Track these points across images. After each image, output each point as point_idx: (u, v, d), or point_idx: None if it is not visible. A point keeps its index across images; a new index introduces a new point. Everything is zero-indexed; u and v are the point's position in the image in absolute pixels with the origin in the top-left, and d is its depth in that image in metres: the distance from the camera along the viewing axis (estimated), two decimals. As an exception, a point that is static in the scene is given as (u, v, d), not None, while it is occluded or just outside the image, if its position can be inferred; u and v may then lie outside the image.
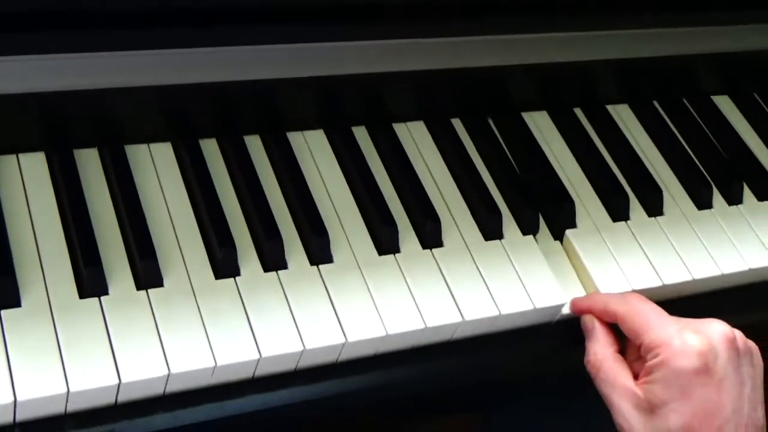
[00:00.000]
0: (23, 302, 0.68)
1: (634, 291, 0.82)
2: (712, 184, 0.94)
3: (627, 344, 0.77)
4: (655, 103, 1.01)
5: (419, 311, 0.75)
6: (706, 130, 1.01)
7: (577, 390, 0.77)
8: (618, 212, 0.88)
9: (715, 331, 0.72)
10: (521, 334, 0.80)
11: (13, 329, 0.66)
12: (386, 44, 0.84)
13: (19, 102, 0.74)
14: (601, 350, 0.76)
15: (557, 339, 0.81)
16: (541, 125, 0.95)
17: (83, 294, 0.70)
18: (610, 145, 0.95)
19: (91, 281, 0.70)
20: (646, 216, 0.89)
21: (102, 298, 0.70)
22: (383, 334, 0.73)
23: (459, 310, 0.76)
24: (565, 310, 0.80)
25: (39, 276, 0.70)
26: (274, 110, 0.84)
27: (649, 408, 0.71)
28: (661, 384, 0.71)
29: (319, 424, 0.75)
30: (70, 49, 0.74)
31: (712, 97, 1.05)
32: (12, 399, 0.63)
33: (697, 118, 1.02)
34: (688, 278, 0.85)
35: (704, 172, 0.95)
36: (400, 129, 0.89)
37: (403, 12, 0.82)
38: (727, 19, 0.97)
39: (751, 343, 0.75)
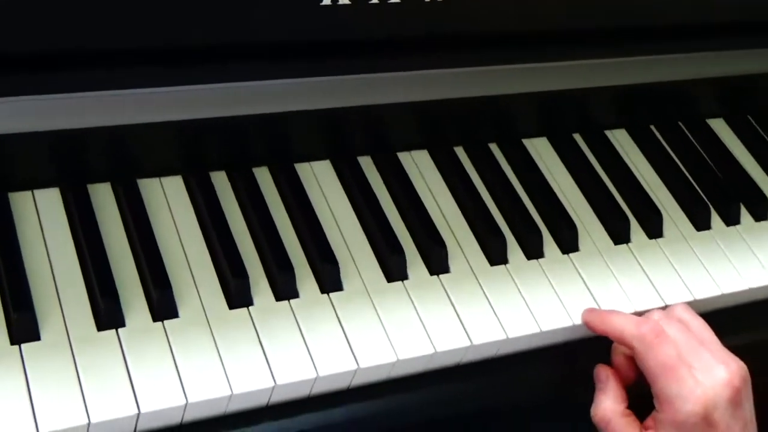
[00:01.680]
0: (42, 336, 0.70)
1: (635, 311, 0.83)
2: (710, 205, 0.96)
3: None
4: (652, 127, 1.03)
5: (428, 336, 0.77)
6: (703, 153, 1.03)
7: (584, 415, 0.79)
8: (619, 235, 0.90)
9: (719, 380, 0.74)
10: (530, 357, 0.82)
11: (33, 362, 0.68)
12: (389, 76, 0.86)
13: (34, 139, 0.76)
14: (611, 406, 0.77)
15: (564, 361, 0.82)
16: (541, 151, 0.97)
17: (101, 327, 0.72)
18: (610, 170, 0.97)
19: (108, 314, 0.72)
20: (646, 238, 0.91)
21: (119, 330, 0.71)
22: (394, 359, 0.75)
23: (467, 335, 0.78)
24: (572, 334, 0.82)
25: (57, 310, 0.72)
26: (282, 142, 0.86)
27: None
28: None
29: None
30: (83, 88, 0.75)
31: (707, 120, 1.07)
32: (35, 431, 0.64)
33: (694, 141, 1.04)
34: (690, 298, 0.87)
35: (702, 194, 0.97)
36: (405, 158, 0.91)
37: (405, 45, 0.84)
38: (721, 45, 0.99)
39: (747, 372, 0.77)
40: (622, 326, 0.78)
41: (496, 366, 0.81)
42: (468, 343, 0.77)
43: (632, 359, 0.78)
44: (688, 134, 1.05)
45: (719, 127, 1.07)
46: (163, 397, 0.68)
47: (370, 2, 0.78)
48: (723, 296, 0.88)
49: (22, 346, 0.69)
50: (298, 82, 0.82)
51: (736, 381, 0.74)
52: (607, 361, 0.80)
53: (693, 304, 0.87)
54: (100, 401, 0.67)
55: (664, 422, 0.73)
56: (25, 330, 0.69)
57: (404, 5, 0.79)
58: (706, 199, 0.96)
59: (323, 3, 0.76)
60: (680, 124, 1.05)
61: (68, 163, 0.79)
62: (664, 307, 0.84)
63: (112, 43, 0.73)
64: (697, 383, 0.73)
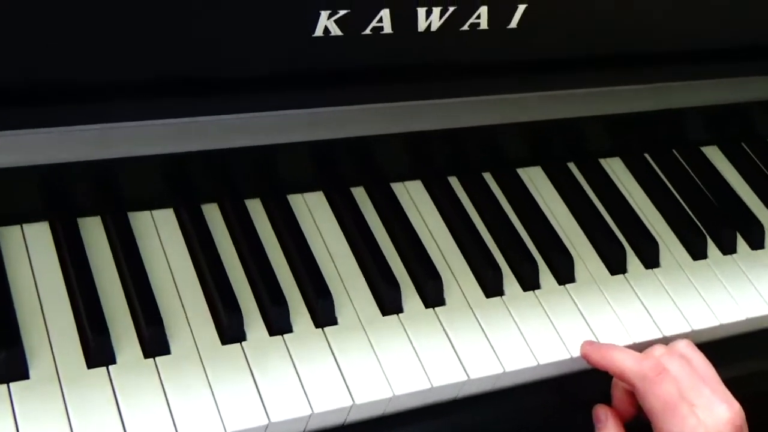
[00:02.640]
0: (31, 374, 0.68)
1: (633, 344, 0.83)
2: (706, 234, 0.95)
3: None
4: (647, 156, 1.03)
5: (425, 371, 0.76)
6: (698, 181, 1.02)
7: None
8: (615, 265, 0.89)
9: (721, 418, 0.73)
10: (526, 389, 0.81)
11: (22, 401, 0.66)
12: (381, 107, 0.85)
13: (22, 174, 0.75)
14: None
15: (561, 393, 0.81)
16: (536, 180, 0.96)
17: (91, 364, 0.70)
18: (605, 198, 0.96)
19: (98, 351, 0.70)
20: (642, 268, 0.91)
21: (110, 367, 0.70)
22: (390, 395, 0.74)
23: (464, 369, 0.77)
24: (569, 367, 0.81)
25: (46, 347, 0.70)
26: (273, 174, 0.85)
27: None
28: None
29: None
30: (70, 122, 0.75)
31: (701, 147, 1.07)
32: (23, 472, 0.63)
33: (688, 169, 1.03)
34: (687, 329, 0.86)
35: (698, 222, 0.96)
36: (398, 188, 0.90)
37: (396, 75, 0.83)
38: (713, 73, 0.99)
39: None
40: (622, 362, 0.76)
41: (492, 399, 0.80)
42: (465, 378, 0.76)
43: (632, 395, 0.77)
44: (683, 162, 1.04)
45: (713, 154, 1.07)
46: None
47: (362, 33, 0.77)
48: (721, 326, 0.87)
49: (11, 384, 0.67)
50: (290, 114, 0.81)
51: (738, 420, 0.73)
52: (605, 394, 0.79)
53: (691, 336, 0.86)
54: (90, 441, 0.65)
55: None
56: (13, 368, 0.68)
57: (396, 36, 0.79)
58: (702, 228, 0.96)
59: (315, 34, 0.75)
60: (674, 152, 1.05)
61: (57, 197, 0.78)
62: (664, 340, 0.83)
63: (100, 75, 0.72)
64: (699, 422, 0.72)
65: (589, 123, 0.97)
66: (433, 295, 0.81)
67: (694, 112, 1.02)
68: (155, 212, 0.81)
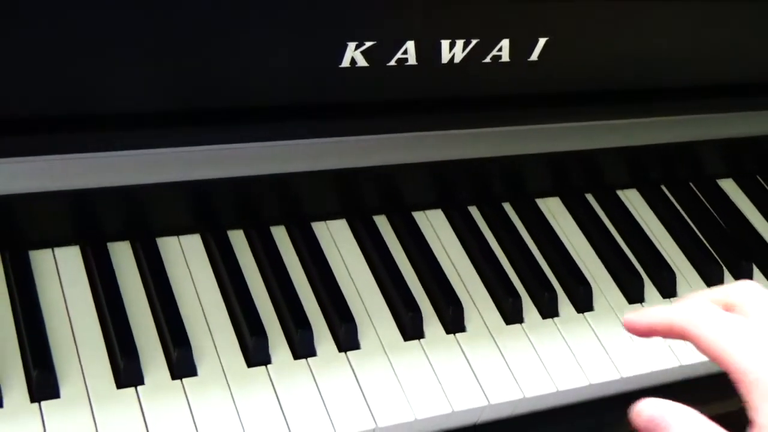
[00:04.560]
0: (62, 393, 0.70)
1: (651, 372, 0.83)
2: (723, 265, 0.96)
3: None
4: (663, 187, 1.04)
5: (446, 396, 0.77)
6: (714, 213, 1.04)
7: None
8: (633, 294, 0.91)
9: None
10: (544, 416, 0.82)
11: (52, 420, 0.68)
12: (405, 137, 0.87)
13: (54, 198, 0.77)
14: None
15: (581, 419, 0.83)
16: (554, 211, 0.97)
17: (120, 384, 0.72)
18: (622, 229, 0.98)
19: (127, 372, 0.72)
20: (660, 297, 0.92)
21: (138, 387, 0.72)
22: (412, 419, 0.75)
23: (484, 394, 0.78)
24: (588, 394, 0.82)
25: (77, 367, 0.72)
26: (297, 202, 0.87)
27: None
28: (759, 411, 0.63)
29: None
30: (102, 148, 0.76)
31: (717, 180, 1.08)
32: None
33: (704, 201, 1.05)
34: (704, 359, 0.87)
35: (714, 253, 0.98)
36: (420, 217, 0.92)
37: (420, 106, 0.85)
38: (729, 106, 1.00)
39: None
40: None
41: (511, 425, 0.81)
42: (485, 403, 0.77)
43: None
44: (699, 194, 1.05)
45: (729, 187, 1.08)
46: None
47: (388, 65, 0.79)
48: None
49: (42, 403, 0.69)
50: (316, 143, 0.83)
51: None
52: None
53: (705, 365, 0.87)
54: (119, 460, 0.67)
55: None
56: (45, 387, 0.69)
57: (420, 68, 0.81)
58: (718, 259, 0.97)
59: (342, 65, 0.77)
60: (690, 184, 1.06)
61: (87, 222, 0.80)
62: (681, 369, 0.83)
63: (130, 105, 0.74)
64: None
65: (607, 154, 0.98)
66: (454, 321, 0.83)
67: (710, 145, 1.03)
68: (183, 238, 0.83)
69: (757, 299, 0.61)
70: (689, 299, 0.62)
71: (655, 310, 0.63)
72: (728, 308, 0.62)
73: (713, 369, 0.84)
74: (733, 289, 0.63)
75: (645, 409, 0.63)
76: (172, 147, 0.79)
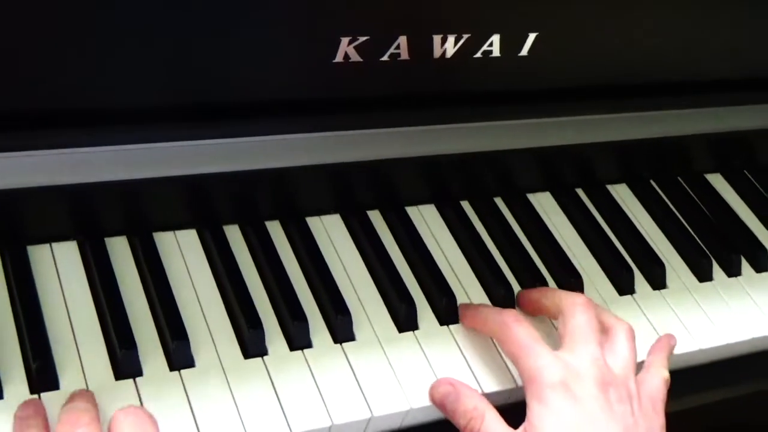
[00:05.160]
0: (61, 385, 0.71)
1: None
2: (712, 257, 0.97)
3: None
4: (652, 182, 1.06)
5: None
6: (702, 206, 1.05)
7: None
8: (624, 286, 0.92)
9: (586, 354, 0.75)
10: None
11: (53, 411, 0.68)
12: (397, 131, 0.88)
13: (52, 194, 0.78)
14: (481, 404, 0.75)
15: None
16: (545, 205, 0.99)
17: (118, 376, 0.73)
18: (613, 223, 0.99)
19: (126, 363, 0.73)
20: (650, 289, 0.93)
21: (136, 379, 0.73)
22: (407, 408, 0.76)
23: (477, 382, 0.79)
24: None
25: (76, 359, 0.73)
26: (291, 197, 0.88)
27: None
28: (531, 411, 0.73)
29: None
30: (98, 143, 0.77)
31: (705, 174, 1.09)
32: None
33: (693, 195, 1.06)
34: (695, 348, 0.88)
35: (703, 246, 0.99)
36: (413, 212, 0.93)
37: (412, 101, 0.86)
38: (717, 101, 1.02)
39: (639, 389, 0.76)
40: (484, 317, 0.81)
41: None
42: (479, 391, 0.78)
43: None
44: (687, 189, 1.07)
45: (717, 181, 1.10)
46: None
47: (381, 59, 0.80)
48: (727, 346, 0.90)
49: (42, 394, 0.70)
50: (309, 137, 0.84)
51: (601, 362, 0.76)
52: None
53: (698, 355, 0.88)
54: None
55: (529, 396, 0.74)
56: (45, 379, 0.70)
57: (413, 63, 0.82)
58: (707, 251, 0.98)
59: (336, 60, 0.79)
60: (679, 179, 1.08)
61: (85, 217, 0.81)
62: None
63: (125, 101, 0.75)
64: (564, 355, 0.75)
65: (597, 149, 0.99)
66: (446, 313, 0.84)
67: (698, 140, 1.05)
68: (179, 233, 0.84)
69: (577, 311, 0.78)
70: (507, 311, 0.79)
71: (483, 309, 0.82)
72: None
73: (704, 357, 0.85)
74: (612, 318, 0.81)
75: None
76: (168, 142, 0.80)
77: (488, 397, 0.79)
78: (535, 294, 0.85)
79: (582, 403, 0.72)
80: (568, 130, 0.95)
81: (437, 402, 0.77)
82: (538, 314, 0.83)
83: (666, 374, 0.80)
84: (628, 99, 0.96)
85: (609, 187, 1.04)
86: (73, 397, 0.68)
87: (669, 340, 0.85)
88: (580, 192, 1.01)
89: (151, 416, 0.65)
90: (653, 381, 0.78)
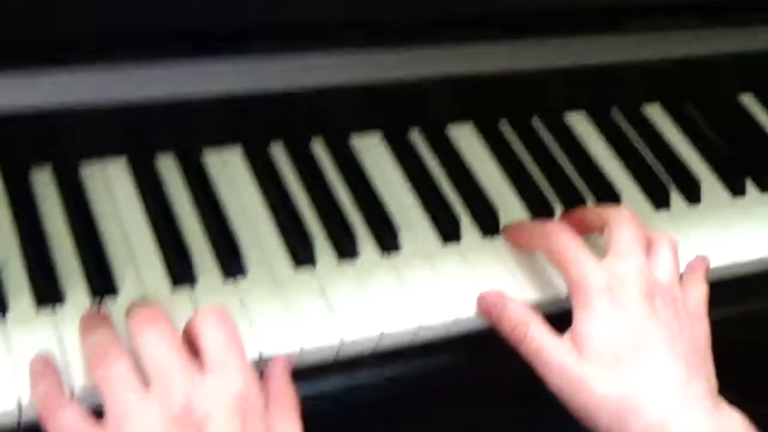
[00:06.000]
0: (120, 292, 0.74)
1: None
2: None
3: None
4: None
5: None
6: (736, 127, 1.06)
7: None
8: (659, 202, 0.94)
9: (631, 263, 0.76)
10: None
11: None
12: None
13: (103, 112, 0.79)
14: (526, 312, 0.77)
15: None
16: (580, 126, 1.01)
17: (175, 285, 0.76)
18: (648, 142, 1.01)
19: (180, 274, 0.76)
20: (685, 205, 0.95)
21: (193, 286, 0.76)
22: (454, 317, 0.79)
23: (521, 293, 0.81)
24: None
25: (134, 273, 0.76)
26: (327, 118, 0.91)
27: (579, 350, 0.74)
28: (577, 318, 0.75)
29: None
30: (150, 60, 0.78)
31: (738, 96, 1.11)
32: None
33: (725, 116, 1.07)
34: (728, 262, 0.90)
35: (736, 164, 1.00)
36: (452, 132, 0.95)
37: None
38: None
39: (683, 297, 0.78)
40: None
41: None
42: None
43: None
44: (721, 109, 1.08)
45: (749, 102, 1.11)
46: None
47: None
48: (761, 260, 0.92)
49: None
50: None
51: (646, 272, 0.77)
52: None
53: (728, 268, 0.90)
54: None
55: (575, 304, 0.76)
56: (104, 285, 0.74)
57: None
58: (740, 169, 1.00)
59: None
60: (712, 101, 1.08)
61: (136, 137, 0.84)
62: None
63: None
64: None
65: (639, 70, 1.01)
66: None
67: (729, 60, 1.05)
68: (225, 152, 0.87)
69: (623, 224, 0.79)
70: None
71: (527, 224, 0.86)
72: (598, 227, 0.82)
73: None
74: (655, 232, 0.81)
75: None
76: (216, 60, 0.81)
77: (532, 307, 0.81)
78: (579, 213, 0.86)
79: (627, 310, 0.74)
80: (607, 49, 0.96)
81: (484, 311, 0.79)
82: (583, 232, 0.83)
83: (705, 288, 0.82)
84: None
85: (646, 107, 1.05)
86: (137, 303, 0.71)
87: (703, 260, 0.86)
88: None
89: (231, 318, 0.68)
90: (695, 290, 0.80)
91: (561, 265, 0.78)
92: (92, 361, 0.65)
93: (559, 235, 0.79)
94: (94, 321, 0.69)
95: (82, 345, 0.68)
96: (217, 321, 0.67)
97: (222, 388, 0.64)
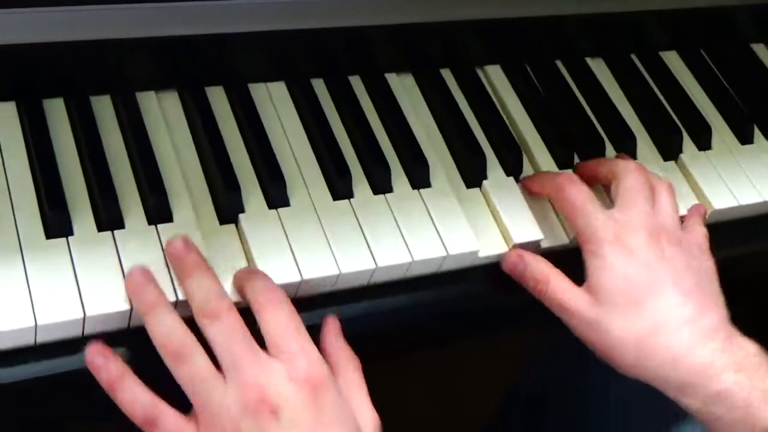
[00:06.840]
0: (175, 220, 0.80)
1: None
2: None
3: None
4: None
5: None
6: (746, 75, 1.11)
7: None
8: (673, 147, 1.00)
9: (637, 210, 0.81)
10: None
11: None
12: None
13: (151, 45, 0.84)
14: (547, 268, 0.83)
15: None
16: (599, 71, 1.06)
17: (222, 220, 0.82)
18: (663, 87, 1.06)
19: (230, 205, 0.81)
20: (696, 150, 1.01)
21: (240, 215, 0.81)
22: (476, 248, 0.85)
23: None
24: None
25: (187, 199, 0.81)
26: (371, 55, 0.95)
27: (594, 296, 0.80)
28: (589, 268, 0.81)
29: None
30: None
31: (751, 45, 1.15)
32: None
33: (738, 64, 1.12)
34: (734, 204, 0.96)
35: (746, 111, 1.06)
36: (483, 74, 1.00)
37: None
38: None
39: (686, 237, 0.84)
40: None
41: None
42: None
43: None
44: (734, 58, 1.13)
45: (760, 50, 1.16)
46: (278, 275, 0.78)
47: None
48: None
49: (159, 226, 0.79)
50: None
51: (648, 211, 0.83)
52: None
53: (734, 209, 0.96)
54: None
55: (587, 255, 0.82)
56: (160, 212, 0.79)
57: None
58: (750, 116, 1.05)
59: None
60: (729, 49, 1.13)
61: (183, 69, 0.88)
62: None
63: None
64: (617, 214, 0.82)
65: (655, 16, 1.05)
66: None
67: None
68: (270, 85, 0.92)
69: (630, 175, 0.84)
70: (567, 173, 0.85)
71: (541, 174, 0.90)
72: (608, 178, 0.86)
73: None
74: (655, 179, 0.86)
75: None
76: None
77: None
78: (592, 164, 0.91)
79: (636, 254, 0.80)
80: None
81: (508, 269, 0.85)
82: (595, 182, 0.88)
83: (705, 228, 0.88)
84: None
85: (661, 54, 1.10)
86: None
87: (701, 206, 0.93)
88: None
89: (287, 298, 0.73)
90: (696, 230, 0.86)
91: (570, 216, 0.84)
92: (170, 358, 0.69)
93: (569, 185, 0.84)
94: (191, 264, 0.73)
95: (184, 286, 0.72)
96: (277, 303, 0.71)
97: (290, 372, 0.68)
